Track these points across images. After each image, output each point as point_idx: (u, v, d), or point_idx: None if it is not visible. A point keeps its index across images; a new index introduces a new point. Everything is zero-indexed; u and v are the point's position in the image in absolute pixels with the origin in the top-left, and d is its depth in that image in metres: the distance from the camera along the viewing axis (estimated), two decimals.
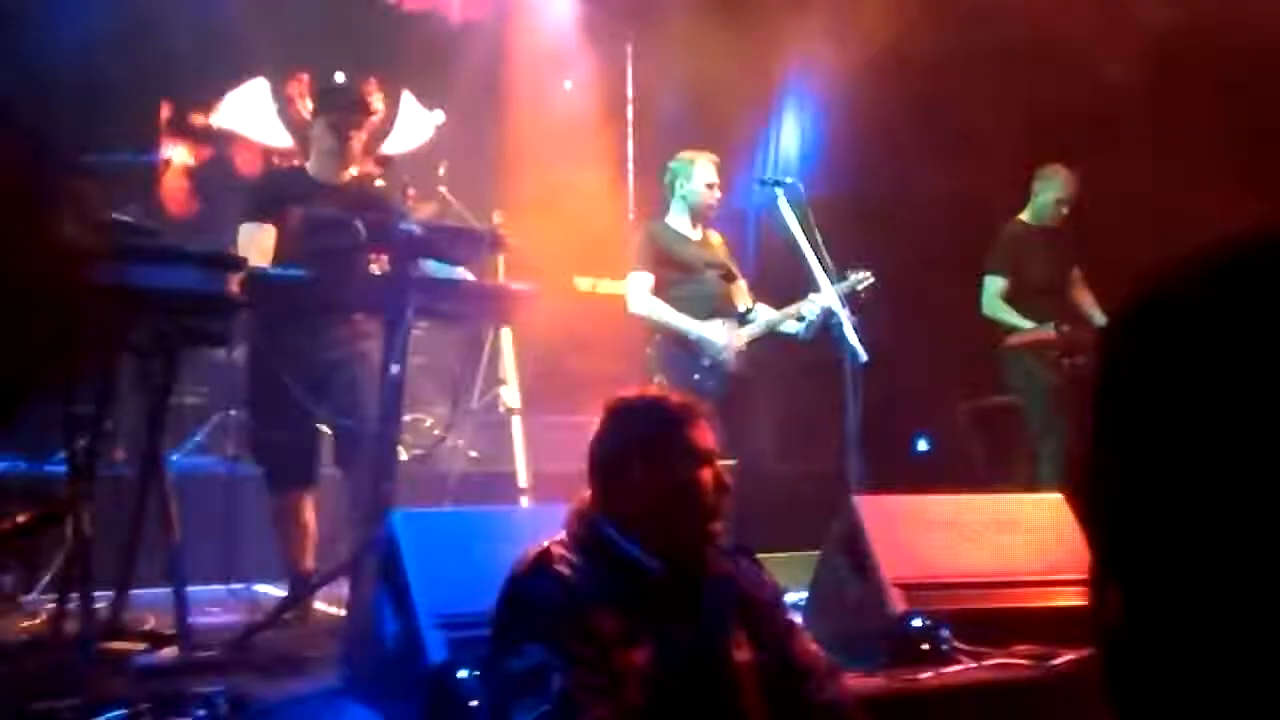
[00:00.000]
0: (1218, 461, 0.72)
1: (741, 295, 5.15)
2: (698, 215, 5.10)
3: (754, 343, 5.07)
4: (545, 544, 2.32)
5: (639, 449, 2.32)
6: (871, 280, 4.96)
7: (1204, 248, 0.77)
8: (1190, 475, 0.73)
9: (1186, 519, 0.73)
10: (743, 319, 5.04)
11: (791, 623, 2.49)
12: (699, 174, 5.06)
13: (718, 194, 5.10)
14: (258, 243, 4.17)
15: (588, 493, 2.38)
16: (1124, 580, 0.77)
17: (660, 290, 4.97)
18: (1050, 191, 5.82)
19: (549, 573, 2.25)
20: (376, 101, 6.77)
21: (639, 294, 4.98)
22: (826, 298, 4.72)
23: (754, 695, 2.28)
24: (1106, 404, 0.80)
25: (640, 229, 5.20)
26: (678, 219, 5.11)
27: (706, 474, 2.32)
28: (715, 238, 5.19)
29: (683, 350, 4.93)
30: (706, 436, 2.36)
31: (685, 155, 5.16)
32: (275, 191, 4.40)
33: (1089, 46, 5.89)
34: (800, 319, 4.93)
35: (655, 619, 2.24)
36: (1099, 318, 5.77)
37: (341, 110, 4.40)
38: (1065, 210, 5.83)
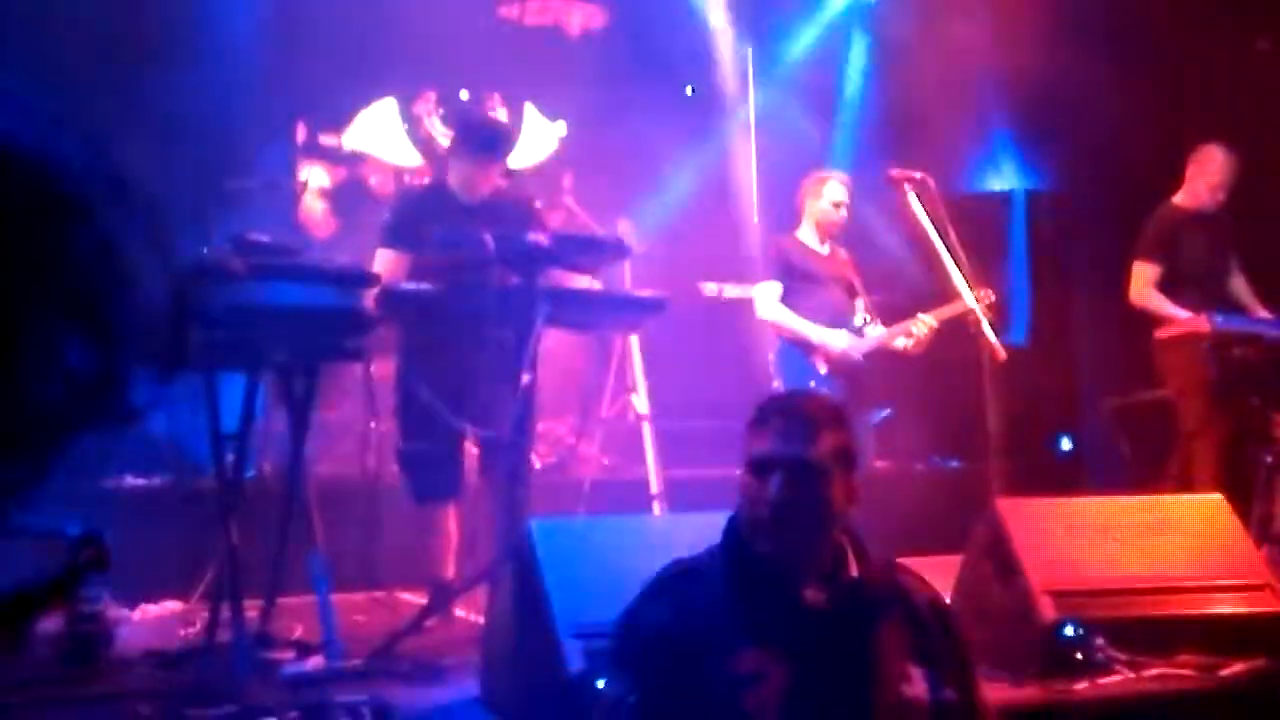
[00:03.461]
0: None
1: (859, 311, 5.32)
2: (825, 232, 5.32)
3: (874, 354, 5.20)
4: (690, 557, 2.18)
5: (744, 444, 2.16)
6: (990, 301, 4.90)
7: None
8: None
9: None
10: (860, 333, 5.22)
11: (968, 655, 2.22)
12: (828, 193, 5.28)
13: (844, 213, 5.29)
14: (391, 271, 4.26)
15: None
16: None
17: (787, 300, 5.21)
18: (1206, 174, 5.50)
19: (671, 594, 2.12)
20: (501, 114, 6.88)
21: (767, 302, 5.24)
22: (960, 298, 4.80)
23: None
24: None
25: (773, 242, 5.49)
26: (807, 233, 5.35)
27: (763, 481, 2.10)
28: (842, 253, 5.41)
29: (803, 356, 5.16)
30: (788, 443, 2.11)
31: (816, 174, 5.44)
32: (413, 215, 4.49)
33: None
34: (909, 335, 5.13)
35: (798, 646, 2.06)
36: (1258, 309, 5.45)
37: (482, 148, 4.49)
38: (1223, 194, 5.49)
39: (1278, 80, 6.15)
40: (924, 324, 5.07)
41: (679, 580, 2.15)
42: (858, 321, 5.25)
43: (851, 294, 5.31)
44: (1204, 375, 5.24)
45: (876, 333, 5.20)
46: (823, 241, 5.31)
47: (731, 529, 2.18)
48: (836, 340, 5.11)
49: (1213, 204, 5.49)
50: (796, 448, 2.10)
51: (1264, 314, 5.42)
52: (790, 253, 5.27)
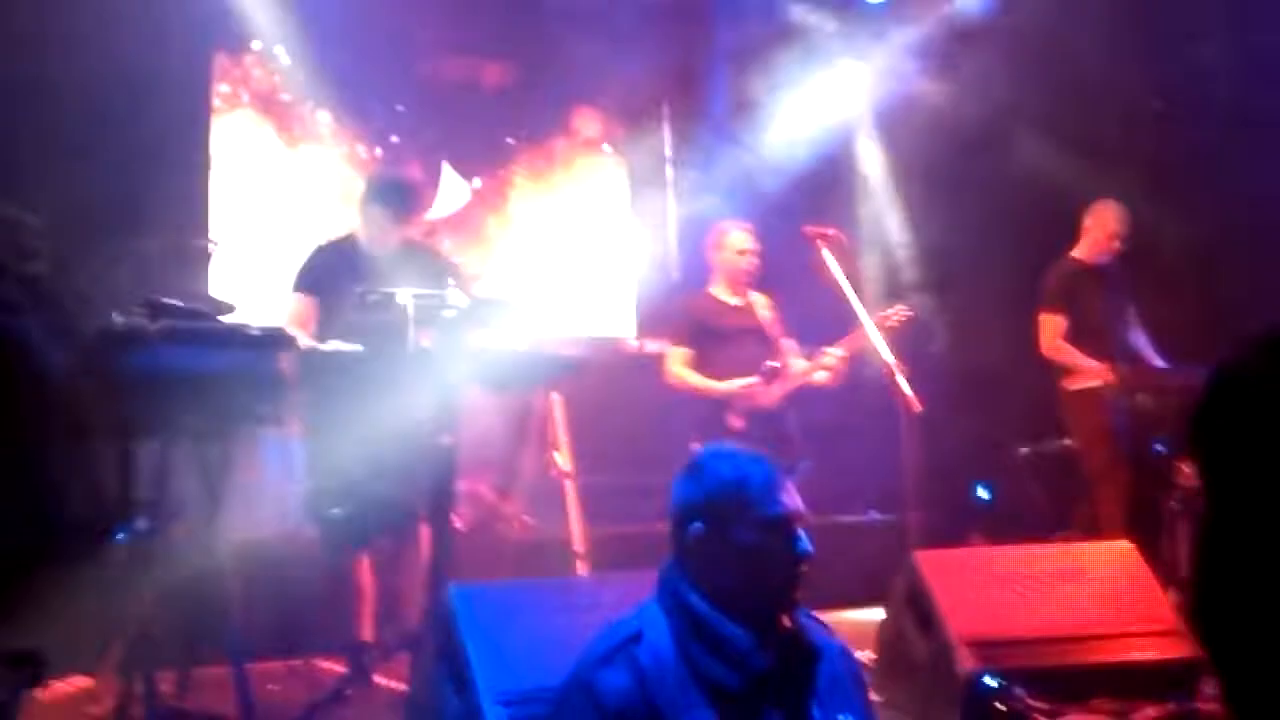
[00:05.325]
0: None
1: (780, 355, 5.23)
2: (735, 281, 5.25)
3: (794, 399, 5.14)
4: (629, 619, 2.08)
5: (713, 505, 2.09)
6: (907, 312, 5.05)
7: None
8: None
9: None
10: (775, 377, 5.12)
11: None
12: (732, 243, 5.25)
13: (753, 260, 5.25)
14: (297, 315, 4.26)
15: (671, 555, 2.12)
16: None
17: (700, 357, 5.13)
18: (1102, 228, 5.71)
19: (625, 660, 2.01)
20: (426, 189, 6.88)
21: (674, 367, 5.17)
22: (860, 328, 4.91)
23: None
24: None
25: (678, 303, 5.39)
26: (719, 287, 5.29)
27: (788, 539, 2.07)
28: (758, 299, 5.32)
29: (716, 414, 5.06)
30: (790, 497, 2.09)
31: (720, 225, 5.40)
32: (323, 264, 4.47)
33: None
34: (825, 369, 5.09)
35: (757, 707, 2.02)
36: (1155, 359, 5.65)
37: (391, 204, 4.51)
38: (1118, 247, 5.70)
39: (1171, 139, 6.42)
40: (832, 355, 5.07)
41: (630, 645, 2.06)
42: (772, 365, 5.15)
43: (765, 342, 5.24)
44: (1106, 424, 5.41)
45: (794, 370, 5.14)
46: (735, 292, 5.26)
47: (676, 589, 2.10)
48: (753, 387, 5.03)
49: (1109, 257, 5.69)
50: (798, 501, 2.11)
51: (1161, 364, 5.61)
52: (699, 311, 5.23)
